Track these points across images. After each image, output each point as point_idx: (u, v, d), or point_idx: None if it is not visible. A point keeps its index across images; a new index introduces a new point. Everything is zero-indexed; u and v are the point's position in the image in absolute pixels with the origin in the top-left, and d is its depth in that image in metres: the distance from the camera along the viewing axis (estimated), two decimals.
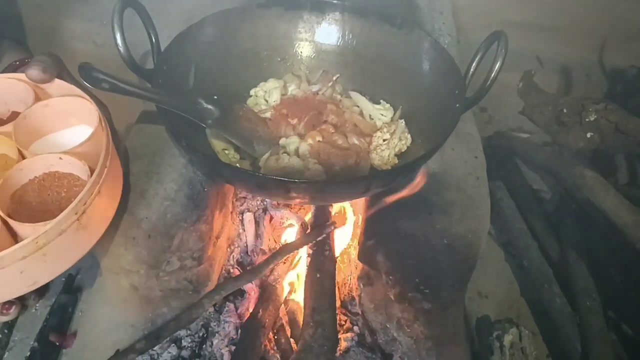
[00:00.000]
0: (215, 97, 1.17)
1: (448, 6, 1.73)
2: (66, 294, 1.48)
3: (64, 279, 1.55)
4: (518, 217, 1.67)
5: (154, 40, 1.15)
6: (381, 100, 1.31)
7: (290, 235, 1.37)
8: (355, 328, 1.29)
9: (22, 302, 1.44)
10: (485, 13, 2.14)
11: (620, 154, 1.81)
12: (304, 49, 1.39)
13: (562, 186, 1.80)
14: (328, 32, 1.37)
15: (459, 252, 1.10)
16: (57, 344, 1.37)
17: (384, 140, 1.19)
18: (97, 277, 1.37)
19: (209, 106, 1.13)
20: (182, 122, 1.08)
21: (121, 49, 1.04)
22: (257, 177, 0.94)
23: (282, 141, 1.20)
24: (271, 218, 1.43)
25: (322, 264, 1.20)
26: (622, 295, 1.49)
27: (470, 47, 1.16)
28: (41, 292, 1.47)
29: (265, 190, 1.00)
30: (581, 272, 1.48)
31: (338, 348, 1.19)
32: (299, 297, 1.27)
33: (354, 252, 1.37)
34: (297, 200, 1.03)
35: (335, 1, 1.35)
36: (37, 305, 1.49)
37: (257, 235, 1.40)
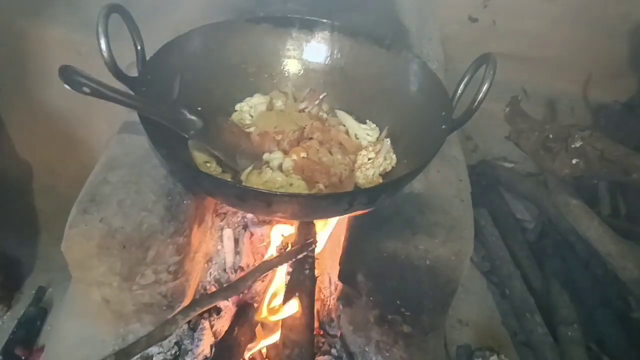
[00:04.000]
0: (200, 108, 1.15)
1: (436, 33, 1.75)
2: (35, 307, 1.43)
3: (34, 291, 1.50)
4: (501, 245, 1.66)
5: (139, 48, 1.13)
6: (367, 120, 1.30)
7: (270, 252, 1.33)
8: (333, 350, 1.25)
9: None
10: (472, 43, 2.17)
11: (603, 185, 1.81)
12: (292, 66, 1.38)
13: (545, 216, 1.80)
14: (316, 50, 1.36)
15: (442, 275, 1.08)
16: (23, 358, 1.31)
17: (369, 159, 1.18)
18: (68, 289, 1.33)
19: (193, 117, 1.11)
20: (164, 132, 1.06)
21: (105, 54, 1.02)
22: (238, 188, 0.93)
23: (265, 156, 1.19)
24: (251, 235, 1.40)
25: (302, 283, 1.17)
26: (604, 326, 1.47)
27: (457, 75, 1.16)
28: (9, 303, 1.42)
29: (246, 203, 0.97)
30: (563, 301, 1.47)
31: None
32: (276, 316, 1.23)
33: (334, 272, 1.34)
34: (279, 215, 1.01)
35: (324, 20, 1.34)
36: (4, 317, 1.44)
37: (236, 252, 1.37)
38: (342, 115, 1.32)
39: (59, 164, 1.79)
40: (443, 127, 1.10)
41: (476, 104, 1.04)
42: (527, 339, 1.46)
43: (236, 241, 1.39)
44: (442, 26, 1.90)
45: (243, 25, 1.31)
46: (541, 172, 2.06)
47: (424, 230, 1.10)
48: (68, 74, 0.93)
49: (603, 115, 2.19)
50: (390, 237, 1.10)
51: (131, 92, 1.06)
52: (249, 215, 1.44)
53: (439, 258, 1.08)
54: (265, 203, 0.92)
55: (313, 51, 1.36)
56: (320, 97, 1.35)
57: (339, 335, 1.26)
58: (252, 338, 1.19)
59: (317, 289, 1.24)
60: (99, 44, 1.01)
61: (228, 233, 1.38)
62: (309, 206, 0.96)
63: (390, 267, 1.09)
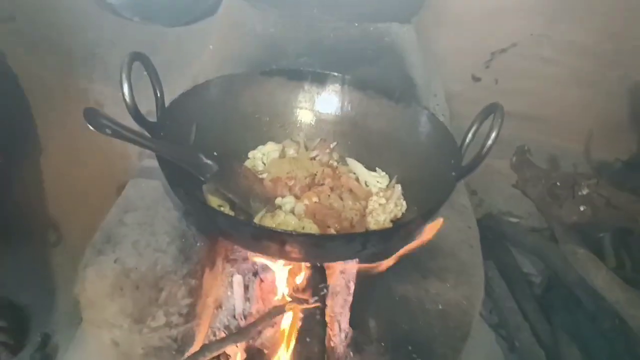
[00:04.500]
0: (215, 153, 1.18)
1: (441, 90, 1.81)
2: (41, 353, 1.41)
3: (39, 339, 1.49)
4: (509, 296, 1.66)
5: (159, 94, 1.17)
6: (377, 168, 1.34)
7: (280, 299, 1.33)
8: None
9: None
10: (476, 101, 2.22)
11: (607, 239, 1.82)
12: (304, 117, 1.42)
13: (551, 270, 1.80)
14: (328, 102, 1.41)
15: (453, 319, 1.08)
16: None
17: (379, 205, 1.21)
18: (76, 332, 1.33)
19: (209, 161, 1.14)
20: (180, 175, 1.09)
21: (127, 98, 1.06)
22: (253, 227, 0.94)
23: (278, 200, 1.21)
24: (261, 282, 1.40)
25: (313, 329, 1.17)
26: None
27: (461, 131, 1.20)
28: (14, 350, 1.41)
29: (261, 244, 0.99)
30: (572, 354, 1.45)
31: None
32: None
33: (343, 319, 1.33)
34: (292, 256, 1.02)
35: (335, 74, 1.39)
36: None
37: (246, 299, 1.36)
38: (353, 163, 1.35)
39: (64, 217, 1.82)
40: (453, 174, 1.13)
41: (485, 149, 1.07)
42: None
43: (246, 288, 1.39)
44: (447, 84, 1.96)
45: (257, 78, 1.36)
46: (546, 226, 2.09)
47: (435, 274, 1.11)
48: (92, 116, 0.97)
49: (605, 172, 2.22)
50: (401, 281, 1.11)
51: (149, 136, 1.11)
52: (260, 262, 1.44)
53: (450, 302, 1.08)
54: (280, 243, 0.94)
55: (324, 103, 1.41)
56: (331, 146, 1.39)
57: None
58: None
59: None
60: (122, 88, 1.05)
61: (238, 279, 1.38)
62: (322, 246, 0.98)
63: (401, 311, 1.10)
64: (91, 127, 0.95)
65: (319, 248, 0.98)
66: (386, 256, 1.16)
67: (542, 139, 2.26)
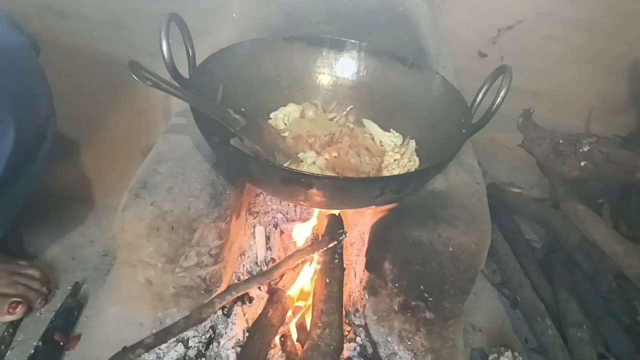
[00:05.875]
0: (243, 109, 1.27)
1: (450, 63, 1.89)
2: (73, 299, 1.51)
3: (69, 287, 1.58)
4: (512, 257, 1.75)
5: (190, 54, 1.26)
6: (391, 129, 1.42)
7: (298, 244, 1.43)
8: (358, 339, 1.33)
9: (28, 304, 1.48)
10: (481, 76, 2.31)
11: (605, 205, 1.92)
12: (322, 81, 1.49)
13: (551, 235, 1.89)
14: (345, 67, 1.48)
15: (463, 261, 1.17)
16: (62, 343, 1.38)
17: (394, 160, 1.29)
18: (109, 277, 1.42)
19: (237, 116, 1.22)
20: (211, 127, 1.17)
21: (165, 55, 1.14)
22: (284, 170, 1.03)
23: (300, 155, 1.30)
24: (281, 233, 1.50)
25: (332, 271, 1.26)
26: (611, 333, 1.55)
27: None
28: (47, 297, 1.51)
29: (289, 187, 1.07)
30: (572, 308, 1.54)
31: (342, 355, 1.23)
32: (307, 302, 1.31)
33: (359, 266, 1.43)
34: (316, 200, 1.11)
35: (352, 41, 1.47)
36: (42, 309, 1.51)
37: (267, 248, 1.46)
38: (369, 124, 1.44)
39: (97, 174, 1.91)
40: (463, 131, 1.22)
41: (495, 106, 1.16)
42: (539, 342, 1.53)
43: (267, 238, 1.49)
44: (454, 59, 2.04)
45: (279, 43, 1.44)
46: (547, 197, 2.18)
47: (446, 221, 1.20)
48: (136, 68, 1.05)
49: None
50: (415, 226, 1.20)
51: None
52: (279, 215, 1.54)
53: (461, 246, 1.17)
54: (307, 185, 1.03)
55: (342, 68, 1.48)
56: (347, 109, 1.48)
57: (363, 324, 1.34)
58: (284, 320, 1.26)
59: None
60: (161, 45, 1.13)
61: (260, 230, 1.48)
62: (346, 189, 1.06)
63: (415, 253, 1.18)
64: (135, 78, 1.03)
65: (342, 191, 1.06)
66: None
67: (545, 114, 2.32)
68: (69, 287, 1.59)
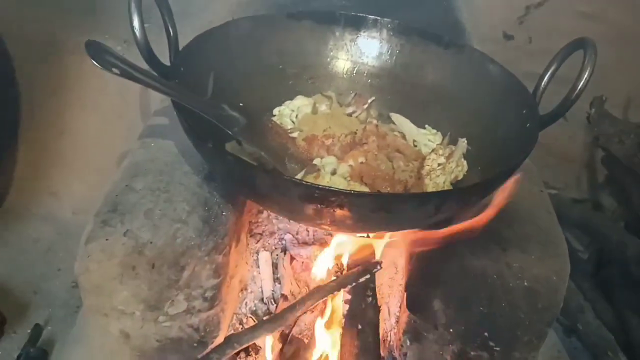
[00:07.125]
0: (241, 104, 0.98)
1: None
2: (34, 347, 1.21)
3: (29, 331, 1.29)
4: None
5: (171, 34, 0.99)
6: (426, 126, 1.16)
7: (318, 277, 1.14)
8: None
9: None
10: (507, 62, 2.07)
11: None
12: (336, 68, 1.26)
13: (599, 243, 1.64)
14: (363, 51, 1.26)
15: (542, 298, 0.89)
16: None
17: (438, 165, 1.02)
18: (77, 323, 1.13)
19: (234, 113, 0.95)
20: (201, 129, 0.88)
21: (137, 33, 0.88)
22: (307, 186, 0.74)
23: (316, 161, 1.03)
24: (292, 259, 1.21)
25: (364, 313, 0.98)
26: None
27: None
28: None
29: (308, 209, 0.79)
30: None
31: None
32: (333, 355, 1.02)
33: (393, 302, 1.15)
34: (344, 224, 0.82)
35: (372, 17, 1.23)
36: None
37: (275, 279, 1.18)
38: (399, 119, 1.18)
39: (64, 187, 1.63)
40: (528, 125, 0.95)
41: (576, 92, 0.91)
42: None
43: (274, 266, 1.20)
44: (474, 42, 1.80)
45: (283, 21, 1.21)
46: (587, 197, 1.93)
47: (515, 245, 0.93)
48: (96, 51, 0.77)
49: None
50: (475, 253, 0.92)
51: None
52: (288, 236, 1.25)
53: (538, 278, 0.89)
54: (336, 207, 0.74)
55: (359, 52, 1.26)
56: (369, 101, 1.22)
57: None
58: None
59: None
60: (131, 21, 0.87)
61: (265, 256, 1.19)
62: (389, 210, 0.78)
63: (477, 290, 0.90)
64: (96, 64, 0.75)
65: (383, 212, 0.78)
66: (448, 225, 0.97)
67: (578, 103, 2.09)
68: (29, 331, 1.29)
